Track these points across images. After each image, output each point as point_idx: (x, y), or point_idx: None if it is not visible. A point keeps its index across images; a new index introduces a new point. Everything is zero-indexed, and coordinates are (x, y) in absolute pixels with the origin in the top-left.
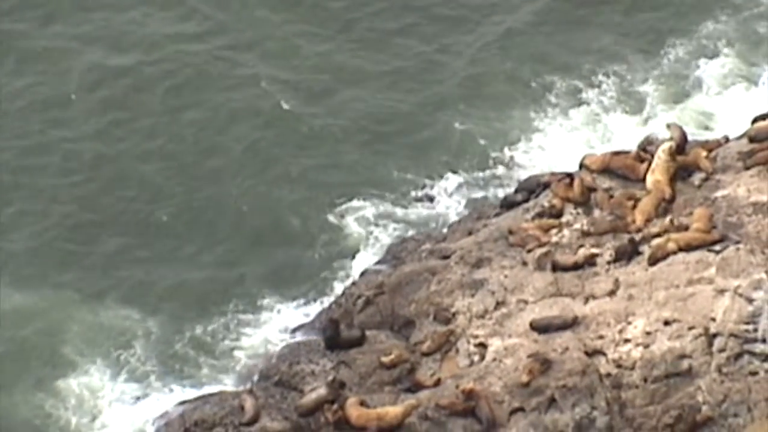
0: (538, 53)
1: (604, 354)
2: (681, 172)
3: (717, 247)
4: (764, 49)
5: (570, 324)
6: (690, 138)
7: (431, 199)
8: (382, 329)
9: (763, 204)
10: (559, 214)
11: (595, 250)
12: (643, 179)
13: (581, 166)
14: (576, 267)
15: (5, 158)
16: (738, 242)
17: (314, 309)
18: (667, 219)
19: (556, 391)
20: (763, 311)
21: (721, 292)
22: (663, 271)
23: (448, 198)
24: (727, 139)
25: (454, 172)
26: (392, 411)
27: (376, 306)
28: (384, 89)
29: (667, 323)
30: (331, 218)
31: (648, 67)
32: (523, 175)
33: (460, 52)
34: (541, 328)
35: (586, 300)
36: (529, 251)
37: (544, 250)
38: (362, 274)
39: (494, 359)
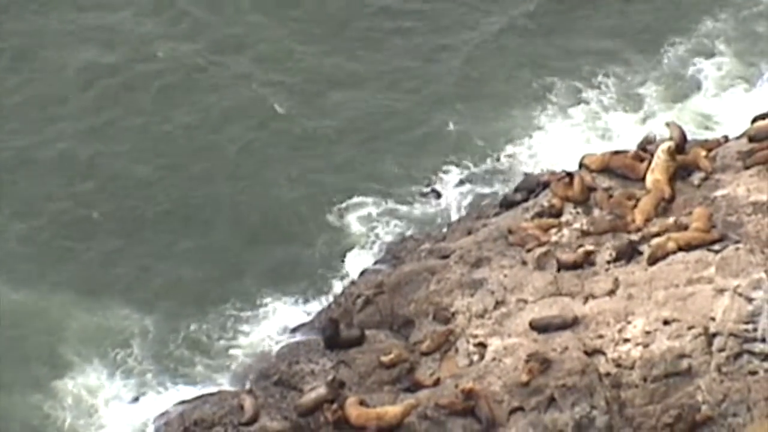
0: (537, 53)
1: (604, 353)
2: (680, 171)
3: (716, 247)
4: (764, 48)
5: (569, 323)
6: (689, 137)
7: (438, 195)
8: (382, 329)
9: (762, 203)
10: (558, 214)
11: (590, 247)
12: (643, 179)
13: (581, 165)
14: (579, 265)
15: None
16: (737, 242)
17: (313, 308)
18: (671, 219)
19: (556, 391)
20: (762, 311)
21: (721, 291)
22: (662, 270)
23: (447, 197)
24: (726, 139)
25: (453, 171)
26: (392, 410)
27: (375, 305)
28: (379, 90)
29: (666, 323)
30: (330, 217)
31: (647, 67)
32: (522, 174)
33: (458, 51)
34: (541, 327)
35: (586, 299)
36: (529, 251)
37: (543, 249)
38: (362, 273)
39: (494, 359)
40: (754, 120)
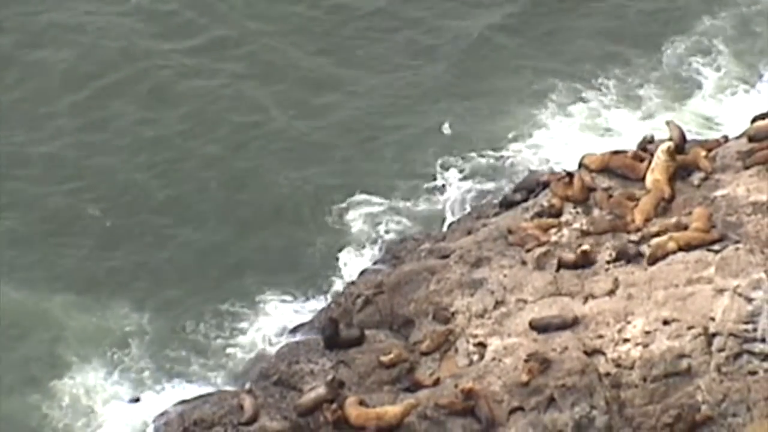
0: (537, 53)
1: (604, 353)
2: (680, 171)
3: (716, 247)
4: (763, 47)
5: (569, 323)
6: (689, 137)
7: (441, 191)
8: (382, 328)
9: (762, 203)
10: (558, 214)
11: (586, 247)
12: (643, 179)
13: (580, 165)
14: (583, 264)
15: None
16: (737, 242)
17: (313, 308)
18: (673, 219)
19: (556, 391)
20: (762, 311)
21: (721, 291)
22: (662, 270)
23: (447, 197)
24: (726, 139)
25: (453, 171)
26: (391, 410)
27: (375, 305)
28: (377, 89)
29: (666, 323)
30: (329, 217)
31: (647, 66)
32: (522, 174)
33: (457, 52)
34: (541, 327)
35: (586, 299)
36: (529, 251)
37: (543, 249)
38: (361, 273)
39: (493, 358)
40: (754, 120)
